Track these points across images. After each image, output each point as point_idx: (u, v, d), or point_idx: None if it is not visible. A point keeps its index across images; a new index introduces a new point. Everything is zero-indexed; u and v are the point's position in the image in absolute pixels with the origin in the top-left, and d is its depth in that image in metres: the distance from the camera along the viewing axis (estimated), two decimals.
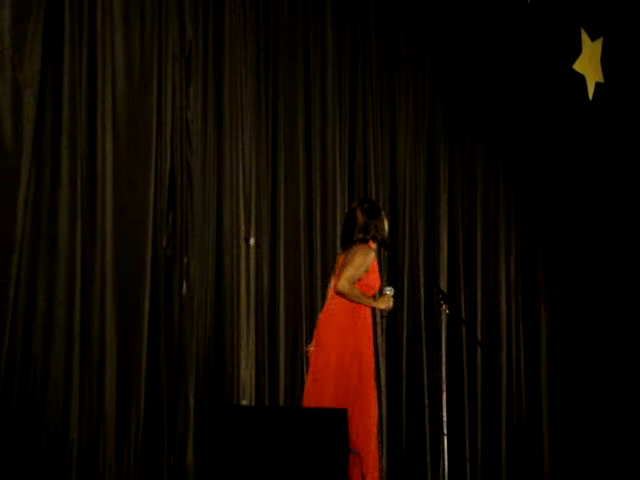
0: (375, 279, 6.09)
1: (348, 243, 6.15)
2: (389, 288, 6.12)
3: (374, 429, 5.93)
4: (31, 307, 5.89)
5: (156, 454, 6.32)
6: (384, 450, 7.48)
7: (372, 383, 5.99)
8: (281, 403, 6.96)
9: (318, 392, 5.89)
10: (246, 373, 6.80)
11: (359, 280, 5.97)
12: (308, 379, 6.05)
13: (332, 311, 6.01)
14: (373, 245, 6.10)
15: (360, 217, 6.14)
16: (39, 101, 5.98)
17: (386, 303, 6.09)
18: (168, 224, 6.55)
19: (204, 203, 6.76)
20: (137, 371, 6.28)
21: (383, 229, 6.13)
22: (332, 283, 6.10)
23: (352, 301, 5.92)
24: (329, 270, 7.26)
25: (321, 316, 6.08)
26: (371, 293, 6.07)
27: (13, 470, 5.66)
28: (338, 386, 5.88)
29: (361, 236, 6.06)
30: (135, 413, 6.23)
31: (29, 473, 5.73)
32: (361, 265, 5.99)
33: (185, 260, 6.57)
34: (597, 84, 9.35)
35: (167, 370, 6.44)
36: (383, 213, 6.18)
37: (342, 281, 5.92)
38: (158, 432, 6.35)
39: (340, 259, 6.14)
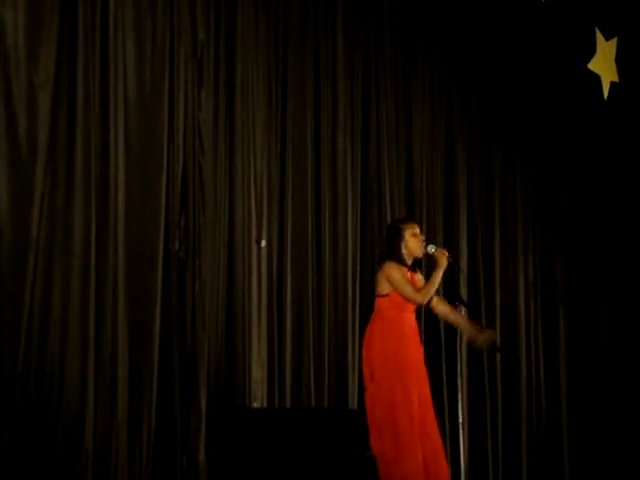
0: None
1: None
2: (430, 246, 6.18)
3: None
4: (46, 309, 5.92)
5: (168, 455, 6.34)
6: None
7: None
8: (288, 405, 6.97)
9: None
10: (257, 375, 6.81)
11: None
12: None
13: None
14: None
15: (382, 243, 6.26)
16: (53, 103, 6.02)
17: (442, 260, 6.10)
18: (180, 226, 6.57)
19: (216, 205, 6.77)
20: (149, 372, 6.30)
21: (399, 249, 6.15)
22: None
23: (431, 293, 6.02)
24: (339, 273, 7.33)
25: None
26: (409, 307, 6.12)
27: (28, 470, 5.70)
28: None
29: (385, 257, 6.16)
30: (147, 414, 6.25)
31: (43, 473, 5.76)
32: (399, 279, 6.03)
33: (197, 262, 6.59)
34: (612, 83, 9.29)
35: (179, 371, 6.47)
36: (405, 232, 6.18)
37: (416, 300, 6.02)
38: (170, 433, 6.37)
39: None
